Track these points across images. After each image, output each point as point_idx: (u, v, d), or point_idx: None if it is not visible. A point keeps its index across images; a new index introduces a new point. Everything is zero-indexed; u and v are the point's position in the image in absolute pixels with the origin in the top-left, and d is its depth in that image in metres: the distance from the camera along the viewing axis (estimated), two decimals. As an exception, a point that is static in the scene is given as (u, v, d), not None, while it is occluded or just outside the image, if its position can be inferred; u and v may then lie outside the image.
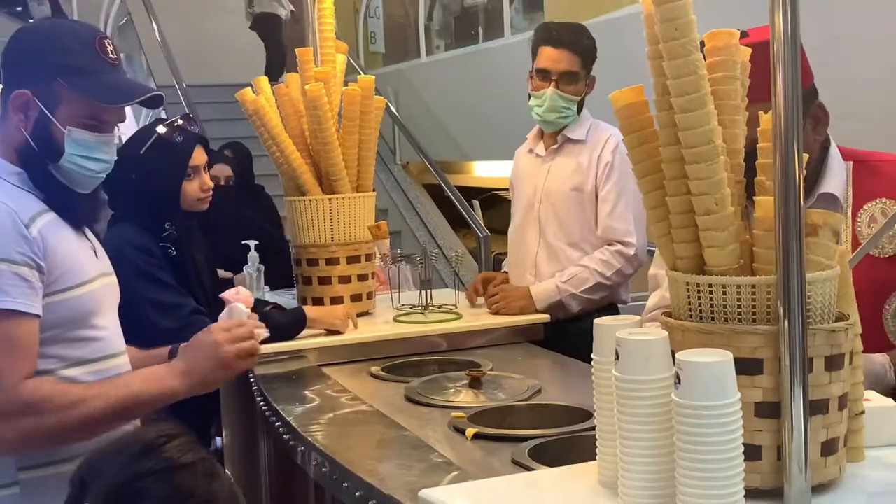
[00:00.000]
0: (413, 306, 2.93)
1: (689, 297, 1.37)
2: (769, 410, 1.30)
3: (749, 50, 1.45)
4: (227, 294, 1.99)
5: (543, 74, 2.92)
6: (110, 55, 1.80)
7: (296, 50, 3.00)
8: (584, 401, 2.11)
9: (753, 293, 1.32)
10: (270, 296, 3.31)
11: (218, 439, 3.01)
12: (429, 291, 2.89)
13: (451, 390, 2.27)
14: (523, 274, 3.02)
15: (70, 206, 1.78)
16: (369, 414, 2.10)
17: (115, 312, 1.87)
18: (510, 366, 2.53)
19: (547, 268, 2.98)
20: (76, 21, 1.90)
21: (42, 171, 1.75)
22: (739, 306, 1.32)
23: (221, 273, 3.85)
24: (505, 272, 3.13)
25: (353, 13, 9.71)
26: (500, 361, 2.55)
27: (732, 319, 1.33)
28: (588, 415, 1.97)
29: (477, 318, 2.90)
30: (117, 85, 1.80)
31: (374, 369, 2.53)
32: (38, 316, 1.66)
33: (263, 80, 3.01)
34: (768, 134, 1.35)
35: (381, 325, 2.87)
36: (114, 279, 1.89)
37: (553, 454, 1.77)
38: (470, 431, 1.92)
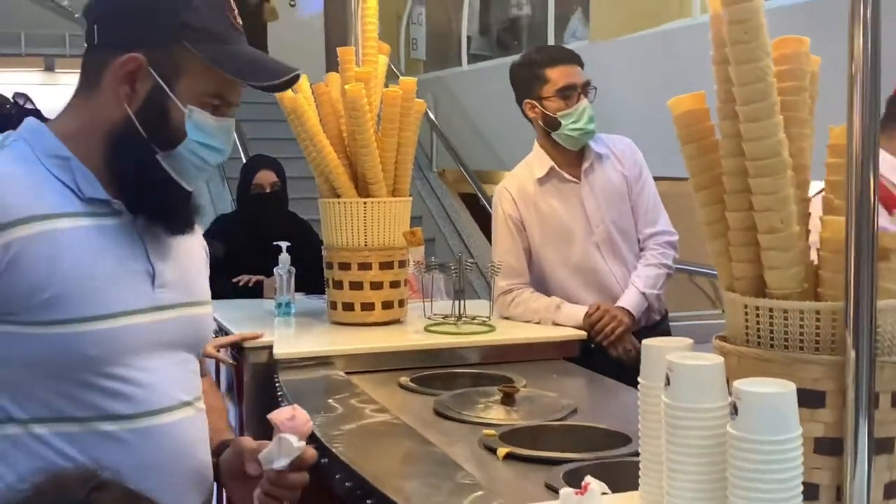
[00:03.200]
0: (445, 316, 2.85)
1: (746, 320, 1.27)
2: (830, 447, 1.20)
3: (819, 59, 1.35)
4: (277, 417, 1.42)
5: (569, 90, 2.90)
6: (238, 20, 1.41)
7: (337, 49, 2.94)
8: (622, 424, 2.03)
9: (818, 319, 1.22)
10: (300, 299, 3.23)
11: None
12: (462, 302, 2.80)
13: (483, 406, 2.18)
14: (611, 302, 2.92)
15: (171, 206, 1.40)
16: (396, 427, 2.01)
17: (178, 354, 1.42)
18: (545, 383, 2.44)
19: (626, 283, 2.94)
20: None
21: (144, 162, 1.35)
22: (802, 333, 1.23)
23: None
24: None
25: (395, 19, 9.66)
26: (533, 378, 2.45)
27: (794, 347, 1.23)
28: (627, 439, 1.88)
29: (511, 332, 2.81)
30: (255, 58, 1.41)
31: (403, 380, 2.45)
32: None
33: (303, 79, 2.94)
34: (838, 149, 1.26)
35: (412, 335, 2.79)
36: (191, 312, 1.45)
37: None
38: (501, 451, 1.83)
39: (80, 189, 1.34)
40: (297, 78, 1.42)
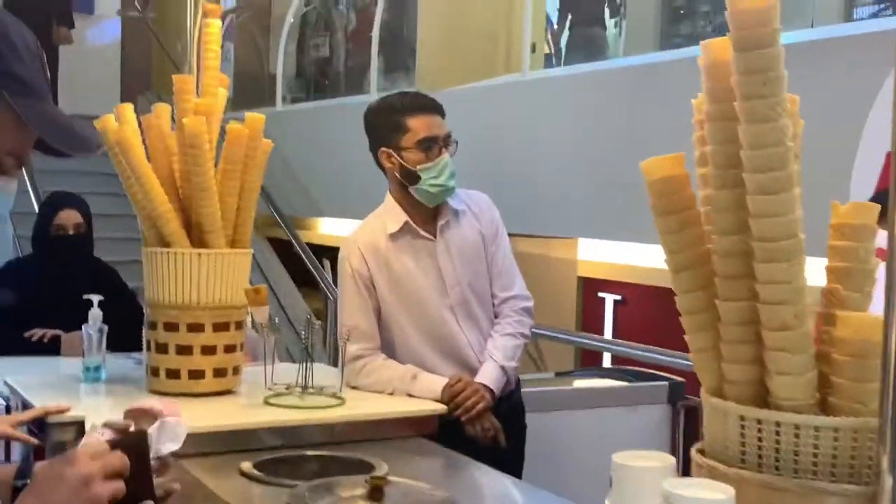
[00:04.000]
0: (288, 386, 2.50)
1: (743, 436, 1.04)
2: None
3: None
4: (151, 404, 1.39)
5: (431, 143, 2.66)
6: (48, 76, 1.30)
7: (174, 77, 2.56)
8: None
9: (835, 439, 1.00)
10: (111, 359, 2.78)
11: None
12: (311, 369, 2.46)
13: (346, 501, 1.86)
14: (461, 371, 2.66)
15: None
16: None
17: None
18: (408, 468, 2.13)
19: (481, 349, 2.71)
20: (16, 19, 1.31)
21: None
22: (816, 454, 1.00)
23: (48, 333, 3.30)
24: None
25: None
26: (393, 461, 2.15)
27: (805, 472, 1.00)
28: (526, 547, 1.62)
29: (363, 405, 2.49)
30: (66, 124, 1.27)
31: (245, 466, 2.08)
32: None
33: (128, 108, 2.54)
34: (844, 230, 1.06)
35: (250, 409, 2.42)
36: None
37: None
38: (387, 568, 1.52)
39: None
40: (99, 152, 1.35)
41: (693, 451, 1.10)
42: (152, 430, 1.33)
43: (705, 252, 1.08)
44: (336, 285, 6.39)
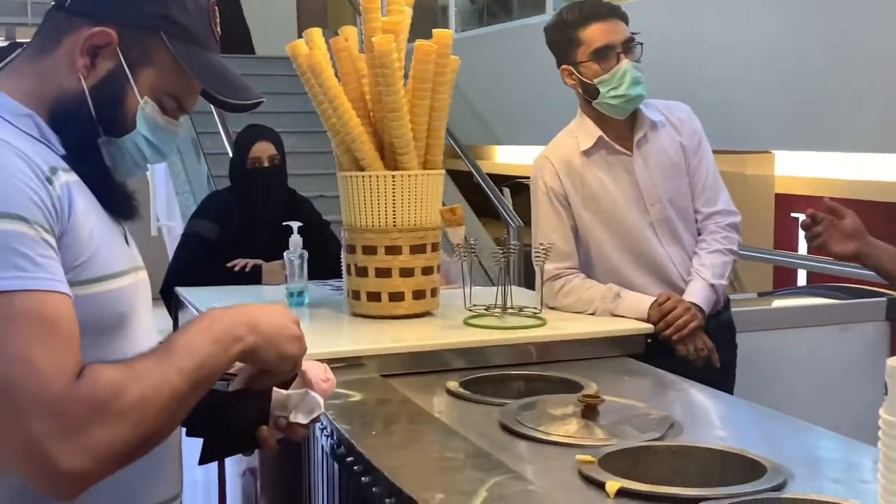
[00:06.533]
0: (488, 307, 2.46)
1: None
2: None
3: None
4: (312, 372, 1.44)
5: (606, 52, 2.52)
6: (218, 32, 1.36)
7: (359, -5, 2.52)
8: (738, 442, 1.69)
9: None
10: (313, 287, 2.83)
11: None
12: (509, 290, 2.41)
13: (559, 420, 1.80)
14: (665, 289, 2.56)
15: (112, 191, 1.29)
16: (468, 452, 1.62)
17: (150, 317, 1.37)
18: (617, 388, 2.06)
19: (685, 267, 2.61)
20: None
21: (84, 142, 1.26)
22: None
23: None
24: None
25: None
26: (602, 381, 2.07)
27: None
28: (758, 466, 1.51)
29: (565, 325, 2.43)
30: (225, 73, 1.34)
31: (452, 385, 2.06)
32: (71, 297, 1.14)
33: (317, 33, 2.52)
34: None
35: (450, 330, 2.40)
36: (146, 275, 1.39)
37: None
38: (612, 486, 1.45)
39: (54, 144, 1.24)
40: (257, 105, 1.37)
41: None
42: (296, 395, 1.40)
43: None
44: (516, 213, 6.37)
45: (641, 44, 2.57)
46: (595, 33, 2.54)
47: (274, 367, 1.34)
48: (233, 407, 1.38)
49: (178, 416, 1.21)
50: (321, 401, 1.41)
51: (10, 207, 1.10)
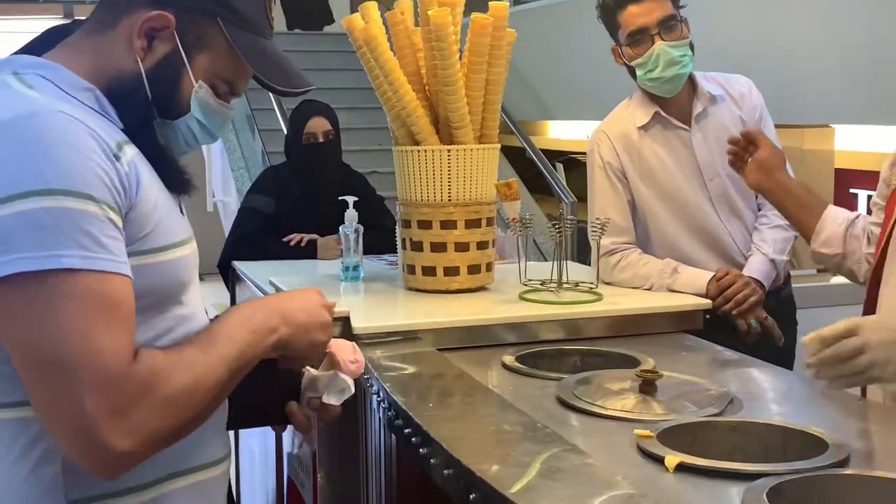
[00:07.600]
0: (543, 282, 2.45)
1: None
2: None
3: None
4: (341, 353, 1.49)
5: (640, 35, 2.50)
6: (273, 19, 1.40)
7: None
8: (799, 419, 1.66)
9: None
10: (368, 261, 2.84)
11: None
12: (565, 264, 2.40)
13: (616, 394, 1.79)
14: (724, 265, 2.54)
15: (168, 167, 1.32)
16: (524, 425, 1.62)
17: (198, 286, 1.41)
18: (675, 363, 2.04)
19: (745, 243, 2.59)
20: None
21: (140, 122, 1.29)
22: None
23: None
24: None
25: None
26: (660, 357, 2.05)
27: None
28: (820, 443, 1.49)
29: (621, 300, 2.41)
30: (279, 60, 1.38)
31: (508, 359, 2.06)
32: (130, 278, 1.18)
33: (372, 6, 2.52)
34: None
35: (506, 305, 2.39)
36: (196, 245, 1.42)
37: (798, 502, 1.30)
38: (671, 460, 1.44)
39: (114, 118, 1.26)
40: (308, 91, 1.41)
41: None
42: (326, 377, 1.44)
43: None
44: (569, 188, 6.32)
45: (683, 20, 2.52)
46: (629, 17, 2.52)
47: (304, 354, 1.39)
48: (262, 379, 1.39)
49: (217, 402, 1.25)
50: (351, 381, 1.46)
51: (79, 186, 1.12)
